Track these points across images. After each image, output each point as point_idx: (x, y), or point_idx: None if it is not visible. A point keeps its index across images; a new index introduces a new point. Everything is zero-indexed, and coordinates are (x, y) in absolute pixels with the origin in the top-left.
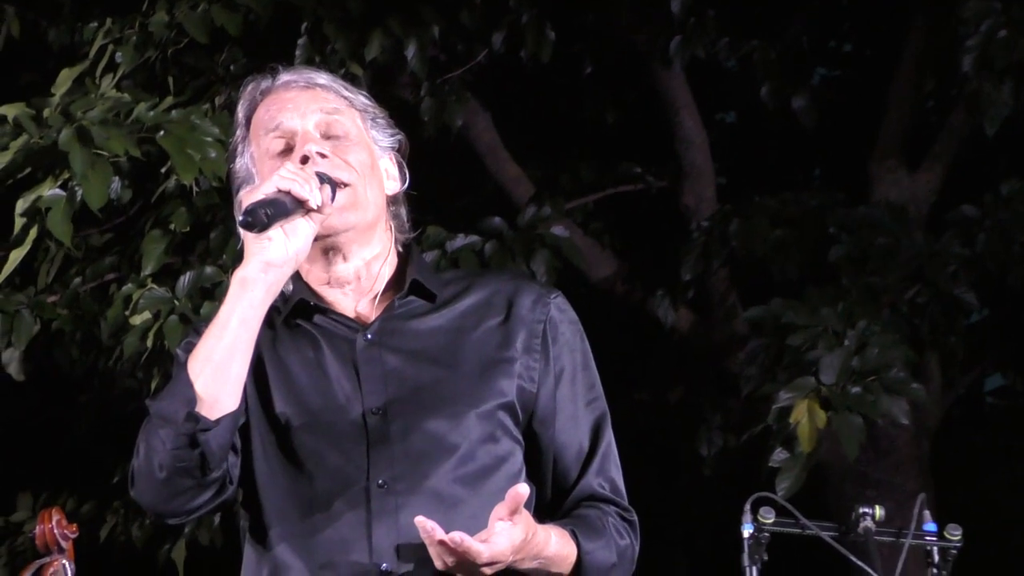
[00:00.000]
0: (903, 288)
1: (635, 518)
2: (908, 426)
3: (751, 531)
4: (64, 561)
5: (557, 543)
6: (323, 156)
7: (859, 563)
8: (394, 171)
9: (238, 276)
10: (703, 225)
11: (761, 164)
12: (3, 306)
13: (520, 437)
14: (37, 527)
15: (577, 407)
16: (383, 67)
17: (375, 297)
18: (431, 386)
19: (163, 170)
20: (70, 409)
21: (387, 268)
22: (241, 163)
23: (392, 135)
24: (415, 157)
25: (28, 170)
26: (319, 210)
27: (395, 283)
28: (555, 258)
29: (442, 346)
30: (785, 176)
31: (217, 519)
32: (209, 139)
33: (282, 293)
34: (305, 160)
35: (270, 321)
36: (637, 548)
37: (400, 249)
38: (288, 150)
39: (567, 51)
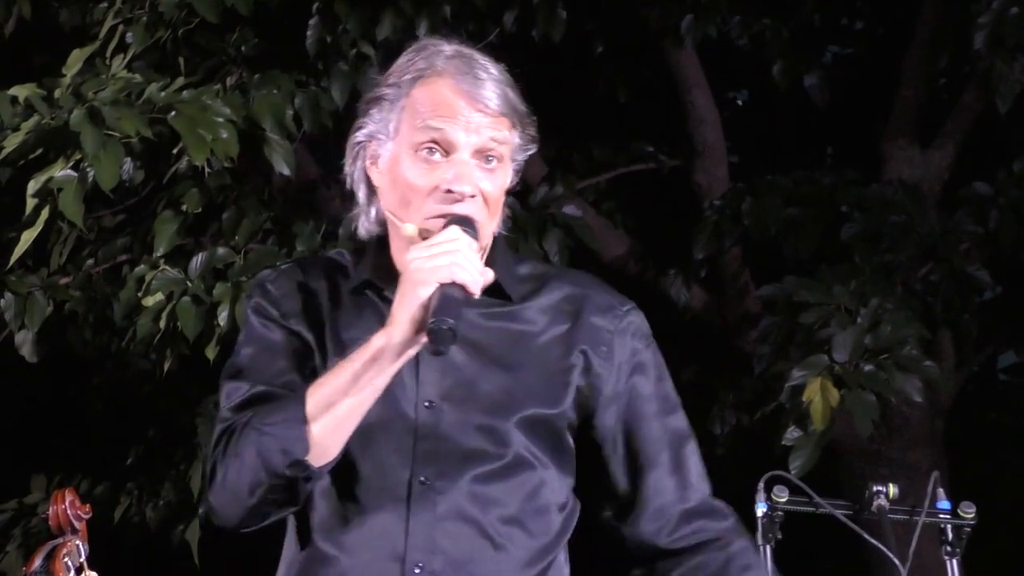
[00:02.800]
0: (916, 266)
1: (730, 512)
2: (921, 404)
3: (764, 510)
4: (78, 542)
5: None
6: (471, 197)
7: (873, 541)
8: (518, 172)
9: (383, 343)
10: (715, 204)
11: (773, 143)
12: (16, 288)
13: (572, 448)
14: (50, 508)
15: (654, 422)
16: (394, 47)
17: None
18: (489, 386)
19: (175, 151)
20: (83, 391)
21: None
22: (380, 116)
23: (533, 148)
24: None
25: (40, 151)
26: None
27: None
28: (567, 238)
29: (507, 347)
30: (797, 155)
31: None
32: (220, 120)
33: (339, 261)
34: (450, 191)
35: (333, 290)
36: (740, 527)
37: (487, 241)
38: (432, 151)
39: (579, 30)
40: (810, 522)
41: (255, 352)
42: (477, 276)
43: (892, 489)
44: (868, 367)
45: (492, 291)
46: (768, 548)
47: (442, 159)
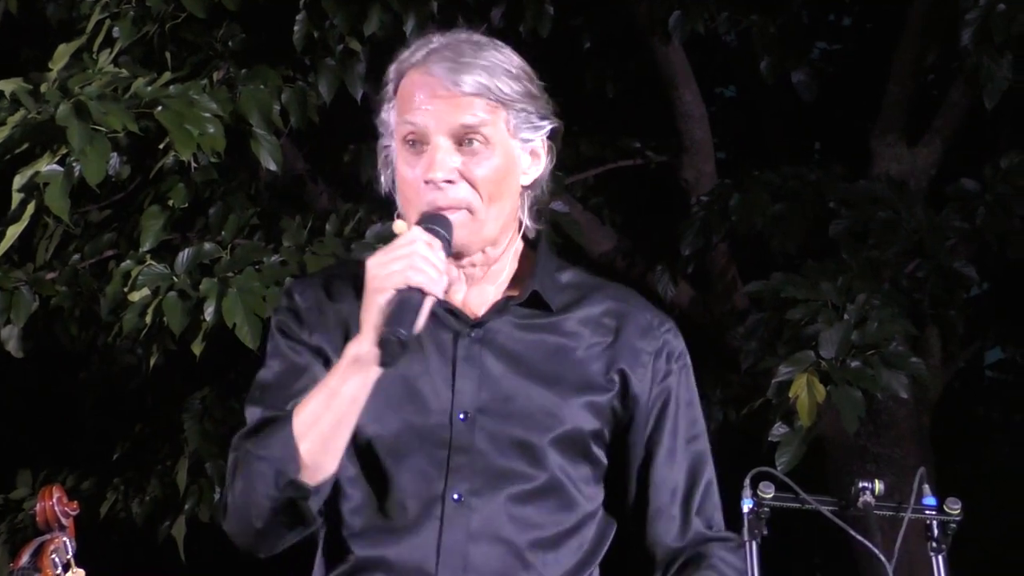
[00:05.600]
0: (903, 262)
1: (736, 542)
2: (908, 400)
3: (751, 506)
4: (65, 538)
5: None
6: (449, 182)
7: (859, 537)
8: (539, 157)
9: (354, 352)
10: (703, 200)
11: (761, 139)
12: (2, 283)
13: (605, 466)
14: (37, 504)
15: (676, 444)
16: (382, 42)
17: (492, 288)
18: (525, 400)
19: (161, 146)
20: (70, 386)
21: (510, 261)
22: (384, 116)
23: (547, 125)
24: None
25: (26, 145)
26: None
27: (516, 278)
28: (555, 234)
29: (545, 359)
30: (785, 151)
31: (217, 494)
32: (207, 115)
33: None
34: (428, 180)
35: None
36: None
37: (521, 245)
38: (413, 143)
39: (566, 25)
40: (796, 519)
41: (276, 373)
42: (435, 275)
43: (878, 485)
44: (855, 363)
45: (532, 300)
46: (754, 544)
47: (423, 149)
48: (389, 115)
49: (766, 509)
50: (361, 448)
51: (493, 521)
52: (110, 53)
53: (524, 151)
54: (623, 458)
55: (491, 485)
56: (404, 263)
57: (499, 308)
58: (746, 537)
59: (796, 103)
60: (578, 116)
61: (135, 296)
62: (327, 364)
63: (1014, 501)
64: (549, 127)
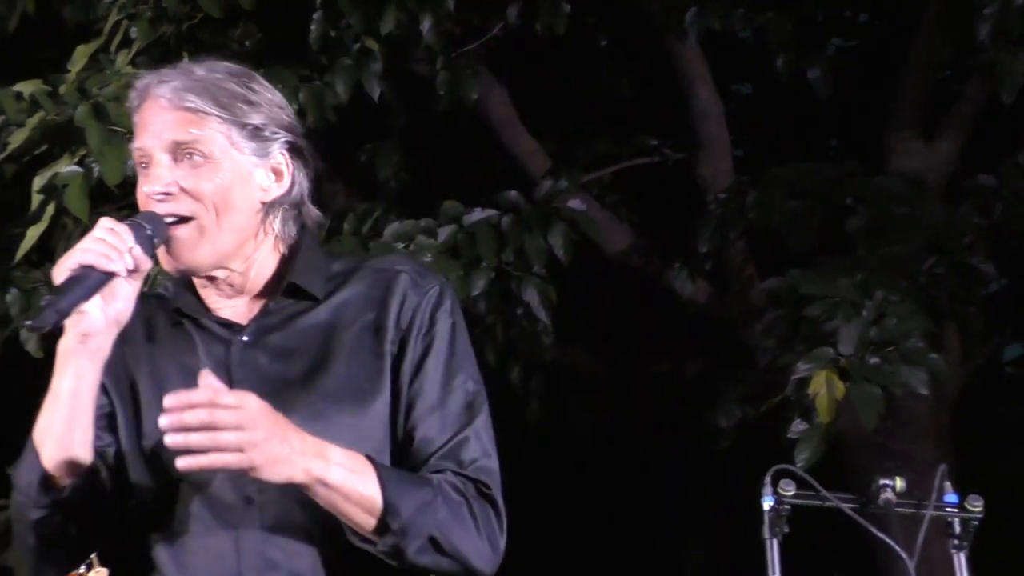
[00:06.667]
0: (921, 259)
1: (490, 491)
2: (927, 397)
3: (772, 503)
4: None
5: (345, 458)
6: (166, 194)
7: (880, 535)
8: (283, 175)
9: (60, 347)
10: (720, 197)
11: (777, 135)
12: (21, 283)
13: (392, 434)
14: None
15: (436, 396)
16: (398, 41)
17: (255, 297)
18: (302, 386)
19: None
20: None
21: (267, 270)
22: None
23: (279, 138)
24: (430, 132)
25: (45, 147)
26: (136, 270)
27: (276, 282)
28: (572, 232)
29: (317, 344)
30: (801, 147)
31: None
32: None
33: (163, 295)
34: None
35: (150, 328)
36: (486, 513)
37: (284, 251)
38: (144, 166)
39: (582, 23)
40: (816, 515)
41: None
42: (106, 252)
43: (899, 482)
44: (873, 360)
45: (296, 294)
46: (775, 542)
47: (148, 168)
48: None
49: (787, 506)
50: (158, 473)
51: (284, 512)
52: (128, 54)
53: (259, 167)
54: (400, 419)
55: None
56: (79, 247)
57: (264, 310)
58: (767, 535)
59: (812, 100)
60: (594, 114)
61: None
62: (107, 394)
63: None
64: (282, 140)
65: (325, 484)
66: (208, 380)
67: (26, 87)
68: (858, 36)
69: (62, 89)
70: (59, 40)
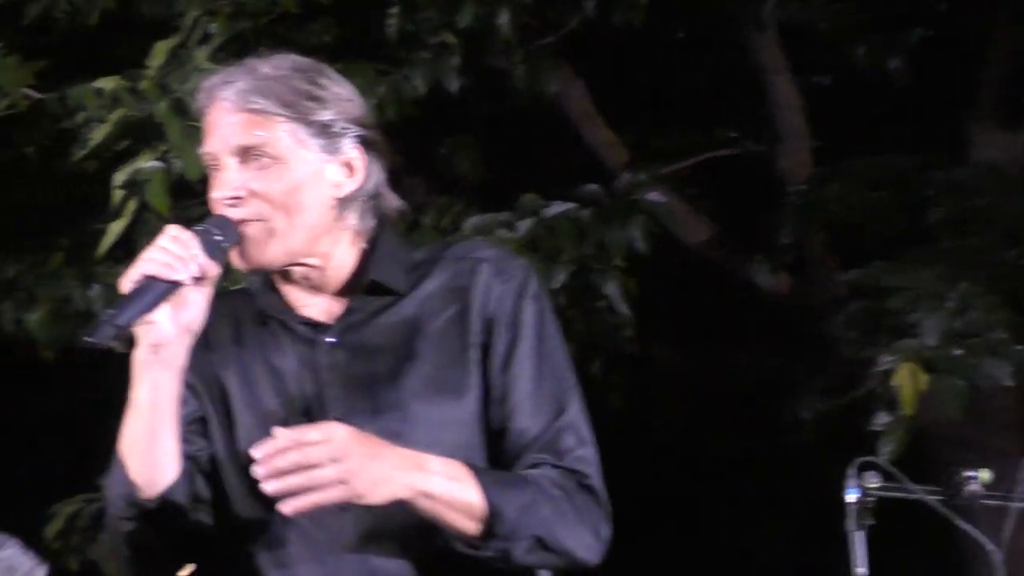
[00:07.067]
0: (1002, 250)
1: (590, 481)
2: (1011, 388)
3: (856, 496)
4: None
5: (443, 466)
6: (236, 199)
7: (967, 527)
8: (353, 169)
9: (134, 359)
10: (800, 189)
11: (857, 126)
12: (104, 278)
13: (484, 428)
14: None
15: (528, 386)
16: (475, 35)
17: (337, 293)
18: (390, 385)
19: None
20: None
21: (346, 265)
22: None
23: (349, 133)
24: (508, 125)
25: (126, 142)
26: (203, 277)
27: (358, 278)
28: (651, 224)
29: (403, 341)
30: (882, 138)
31: None
32: None
33: (247, 291)
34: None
35: (236, 327)
36: (588, 504)
37: (364, 244)
38: (214, 168)
39: (660, 16)
40: (900, 508)
41: None
42: (170, 261)
43: (985, 474)
44: (957, 351)
45: (378, 290)
46: (860, 535)
47: (217, 172)
48: None
49: (872, 499)
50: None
51: (378, 516)
52: (207, 50)
53: (330, 163)
54: (492, 411)
55: None
56: (143, 258)
57: (348, 309)
58: (852, 527)
59: (892, 90)
60: (673, 106)
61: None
62: (198, 397)
63: None
64: (353, 134)
65: (428, 496)
66: (283, 433)
67: (106, 83)
68: (938, 25)
69: (142, 85)
70: (138, 36)
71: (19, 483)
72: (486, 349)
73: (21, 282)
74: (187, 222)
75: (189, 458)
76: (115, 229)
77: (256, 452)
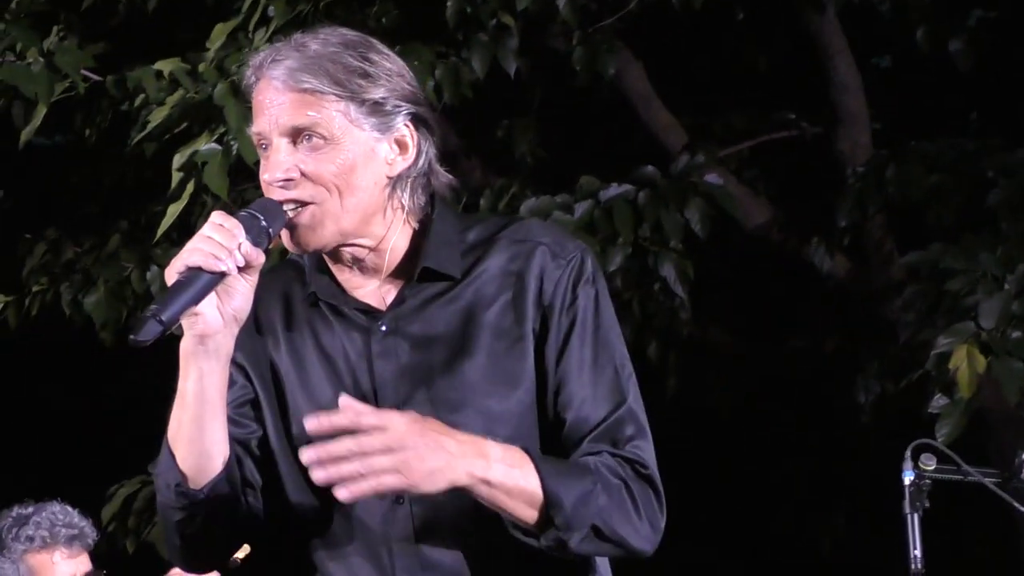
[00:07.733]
0: None
1: (648, 470)
2: None
3: (912, 478)
4: None
5: (504, 453)
6: (287, 180)
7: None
8: (407, 147)
9: (181, 349)
10: (859, 171)
11: (917, 109)
12: (162, 261)
13: (541, 416)
14: None
15: (585, 374)
16: (534, 17)
17: (391, 277)
18: (445, 374)
19: None
20: None
21: (400, 249)
22: None
23: (401, 111)
24: (566, 107)
25: (184, 125)
26: (248, 266)
27: (411, 261)
28: (709, 206)
29: (457, 328)
30: (941, 120)
31: None
32: None
33: (298, 264)
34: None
35: (286, 305)
36: (645, 494)
37: (416, 225)
38: (264, 148)
39: None
40: (956, 490)
41: None
42: (214, 252)
43: None
44: (1016, 334)
45: (432, 275)
46: (916, 516)
47: (268, 153)
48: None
49: (928, 481)
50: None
51: (436, 513)
52: (266, 32)
53: (382, 142)
54: (547, 401)
55: None
56: (187, 248)
57: (401, 295)
58: (908, 509)
59: (953, 72)
60: (731, 88)
61: None
62: (249, 379)
63: None
64: (405, 112)
65: (488, 483)
66: (349, 403)
67: (165, 66)
68: (999, 7)
69: (201, 67)
70: (198, 19)
71: (86, 467)
72: (542, 337)
73: (79, 264)
74: (245, 204)
75: (239, 442)
76: (173, 211)
77: (310, 423)
